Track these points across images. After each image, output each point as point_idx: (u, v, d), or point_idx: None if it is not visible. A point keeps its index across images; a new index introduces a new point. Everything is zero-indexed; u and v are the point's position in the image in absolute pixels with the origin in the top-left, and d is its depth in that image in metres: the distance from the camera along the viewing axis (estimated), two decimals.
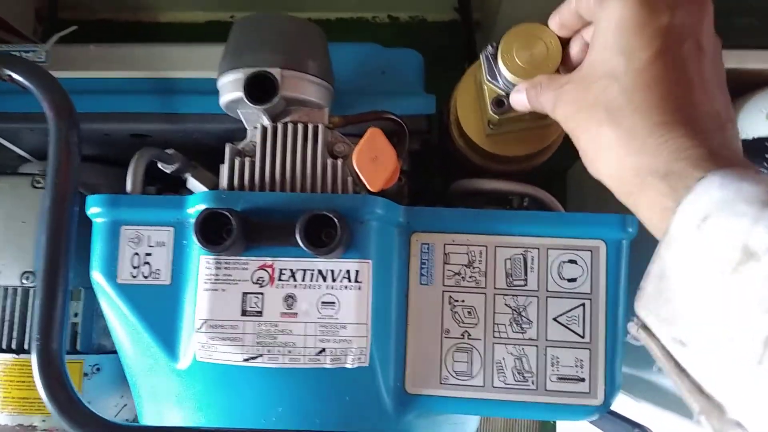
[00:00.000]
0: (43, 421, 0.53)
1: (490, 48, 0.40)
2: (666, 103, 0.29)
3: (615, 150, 0.31)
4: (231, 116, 0.46)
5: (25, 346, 0.52)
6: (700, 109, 0.29)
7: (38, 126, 0.48)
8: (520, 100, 0.40)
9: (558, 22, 0.38)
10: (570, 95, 0.34)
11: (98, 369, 0.55)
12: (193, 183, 0.50)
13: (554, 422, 0.82)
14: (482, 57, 0.41)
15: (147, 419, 0.45)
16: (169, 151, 0.48)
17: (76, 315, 0.56)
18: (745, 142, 0.41)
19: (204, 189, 0.49)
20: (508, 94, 0.41)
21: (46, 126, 0.47)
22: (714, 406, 0.25)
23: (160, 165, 0.48)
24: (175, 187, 0.54)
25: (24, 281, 0.51)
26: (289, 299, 0.39)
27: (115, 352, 0.57)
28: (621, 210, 0.41)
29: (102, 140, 0.53)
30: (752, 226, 0.23)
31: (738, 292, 0.23)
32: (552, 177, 0.78)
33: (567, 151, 0.49)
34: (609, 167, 0.32)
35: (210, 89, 0.48)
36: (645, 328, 0.29)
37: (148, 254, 0.41)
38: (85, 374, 0.55)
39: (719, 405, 0.25)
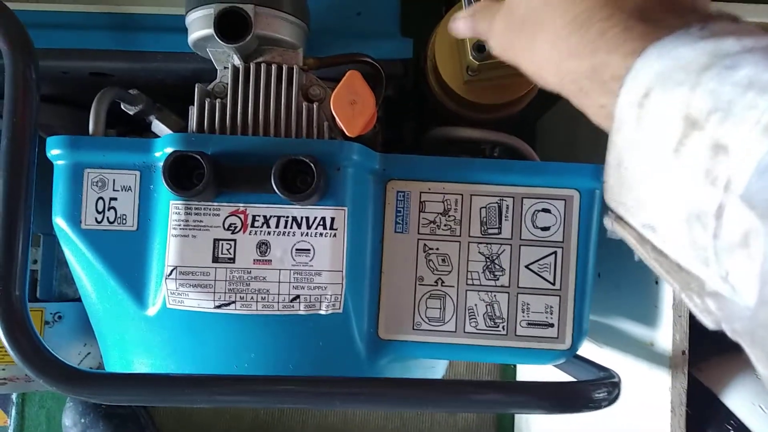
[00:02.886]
0: (3, 369, 0.52)
1: None
2: None
3: (549, 61, 0.29)
4: (198, 56, 0.44)
5: None
6: None
7: None
8: (455, 28, 0.38)
9: None
10: (500, 24, 0.33)
11: (60, 317, 0.54)
12: (158, 125, 0.48)
13: (515, 366, 0.85)
14: None
15: (113, 366, 0.44)
16: (133, 91, 0.46)
17: (35, 262, 0.54)
18: None
19: (169, 132, 0.47)
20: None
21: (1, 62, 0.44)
22: (693, 280, 0.25)
23: (123, 106, 0.46)
24: (138, 130, 0.52)
25: None
26: (263, 246, 0.38)
27: (77, 299, 0.56)
28: (589, 160, 0.41)
29: (60, 78, 0.50)
30: (691, 93, 0.22)
31: (684, 167, 0.22)
32: (523, 127, 0.78)
33: (538, 100, 0.48)
34: (551, 80, 0.30)
35: (176, 26, 0.46)
36: (619, 219, 0.28)
37: (114, 199, 0.40)
38: (47, 322, 0.53)
39: (698, 279, 0.25)
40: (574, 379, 0.43)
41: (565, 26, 0.28)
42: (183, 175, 0.37)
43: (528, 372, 0.80)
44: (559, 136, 0.71)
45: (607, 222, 0.29)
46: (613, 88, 0.25)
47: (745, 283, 0.21)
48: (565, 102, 0.31)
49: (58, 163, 0.40)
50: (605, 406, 0.38)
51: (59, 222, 0.40)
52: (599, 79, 0.26)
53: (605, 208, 0.29)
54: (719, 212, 0.21)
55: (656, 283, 0.46)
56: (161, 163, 0.38)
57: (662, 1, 0.26)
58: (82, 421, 0.77)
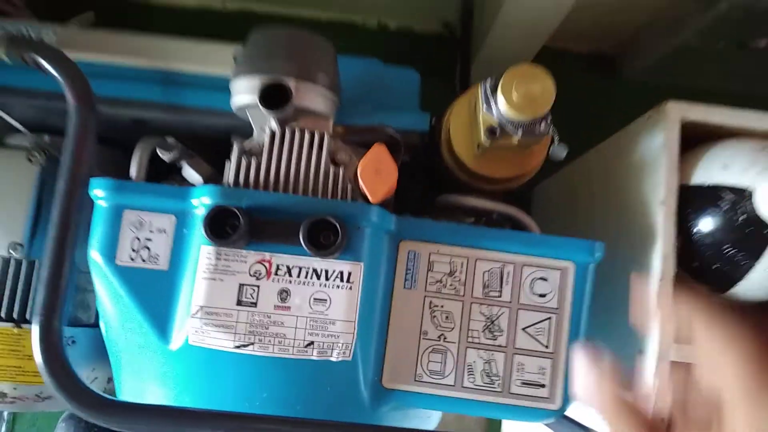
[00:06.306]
0: (14, 389, 0.54)
1: (489, 81, 0.44)
2: None
3: None
4: (232, 113, 0.48)
5: (3, 315, 0.53)
6: None
7: (41, 104, 0.49)
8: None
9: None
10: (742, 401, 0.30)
11: (73, 341, 0.56)
12: (188, 171, 0.52)
13: (500, 420, 0.88)
14: (480, 88, 0.45)
15: (126, 394, 0.46)
16: (170, 139, 0.50)
17: None
18: (701, 188, 0.46)
19: (198, 178, 0.51)
20: (500, 125, 0.44)
21: (48, 104, 0.48)
22: None
23: (158, 151, 0.50)
24: (168, 169, 0.55)
25: (11, 252, 0.51)
26: (284, 293, 0.42)
27: (89, 325, 0.58)
28: (580, 229, 0.46)
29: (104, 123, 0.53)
30: None
31: None
32: (520, 193, 0.83)
33: (536, 173, 0.53)
34: None
35: (212, 85, 0.50)
36: None
37: (149, 239, 0.43)
38: None
39: None
40: None
41: None
42: (218, 223, 0.41)
43: (511, 424, 0.82)
44: (556, 204, 0.76)
45: None
46: None
47: None
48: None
49: (100, 203, 0.43)
50: None
51: (94, 256, 0.43)
52: None
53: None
54: None
55: (640, 352, 0.49)
56: (196, 210, 0.42)
57: None
58: None
